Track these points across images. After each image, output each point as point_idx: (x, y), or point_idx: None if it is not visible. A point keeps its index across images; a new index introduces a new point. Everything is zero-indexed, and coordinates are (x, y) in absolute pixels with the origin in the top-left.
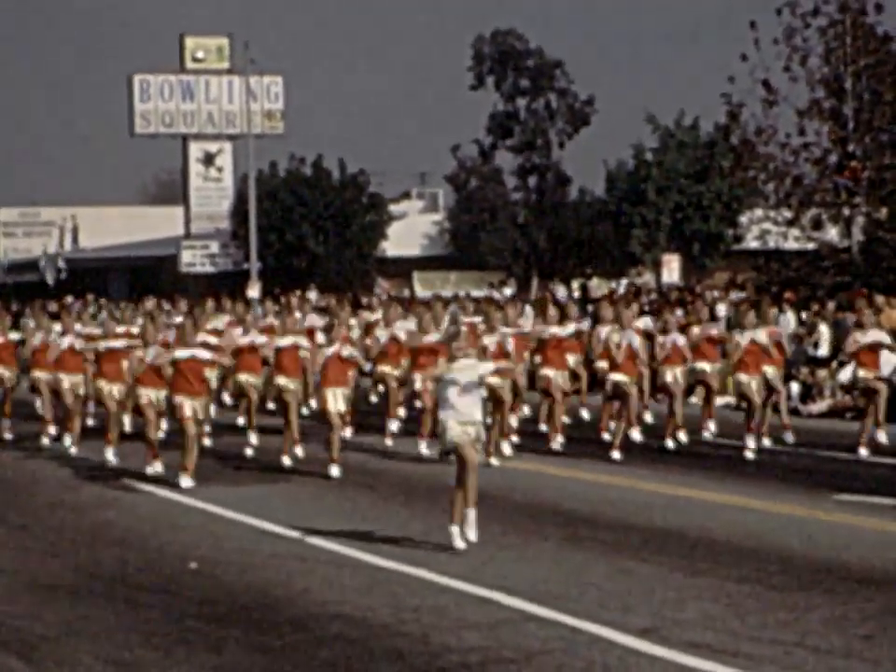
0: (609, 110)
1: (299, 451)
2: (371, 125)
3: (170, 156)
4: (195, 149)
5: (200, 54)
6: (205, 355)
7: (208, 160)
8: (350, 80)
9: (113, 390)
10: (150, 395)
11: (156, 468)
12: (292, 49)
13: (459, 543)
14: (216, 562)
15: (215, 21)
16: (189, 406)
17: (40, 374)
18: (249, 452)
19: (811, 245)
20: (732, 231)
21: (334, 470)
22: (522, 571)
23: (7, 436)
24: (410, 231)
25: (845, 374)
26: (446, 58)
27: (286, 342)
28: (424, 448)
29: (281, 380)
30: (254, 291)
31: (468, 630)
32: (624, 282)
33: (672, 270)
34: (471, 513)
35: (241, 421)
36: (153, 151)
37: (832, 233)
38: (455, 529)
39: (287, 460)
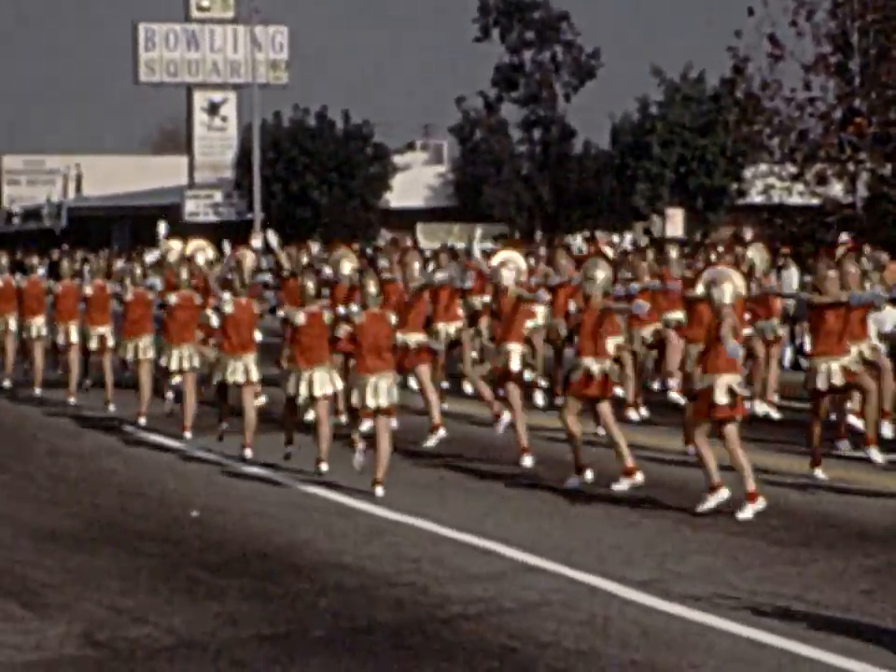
0: (615, 63)
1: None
2: (375, 76)
3: (174, 105)
4: (199, 99)
5: (205, 3)
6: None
7: (212, 109)
8: (355, 31)
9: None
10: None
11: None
12: None
13: None
14: (217, 510)
15: None
16: None
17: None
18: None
19: (815, 201)
20: (736, 185)
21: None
22: (523, 523)
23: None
24: (414, 182)
25: None
26: (452, 9)
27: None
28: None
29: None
30: (257, 241)
31: (468, 581)
32: (628, 236)
33: (676, 224)
34: None
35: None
36: (158, 100)
37: (836, 189)
38: None
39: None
